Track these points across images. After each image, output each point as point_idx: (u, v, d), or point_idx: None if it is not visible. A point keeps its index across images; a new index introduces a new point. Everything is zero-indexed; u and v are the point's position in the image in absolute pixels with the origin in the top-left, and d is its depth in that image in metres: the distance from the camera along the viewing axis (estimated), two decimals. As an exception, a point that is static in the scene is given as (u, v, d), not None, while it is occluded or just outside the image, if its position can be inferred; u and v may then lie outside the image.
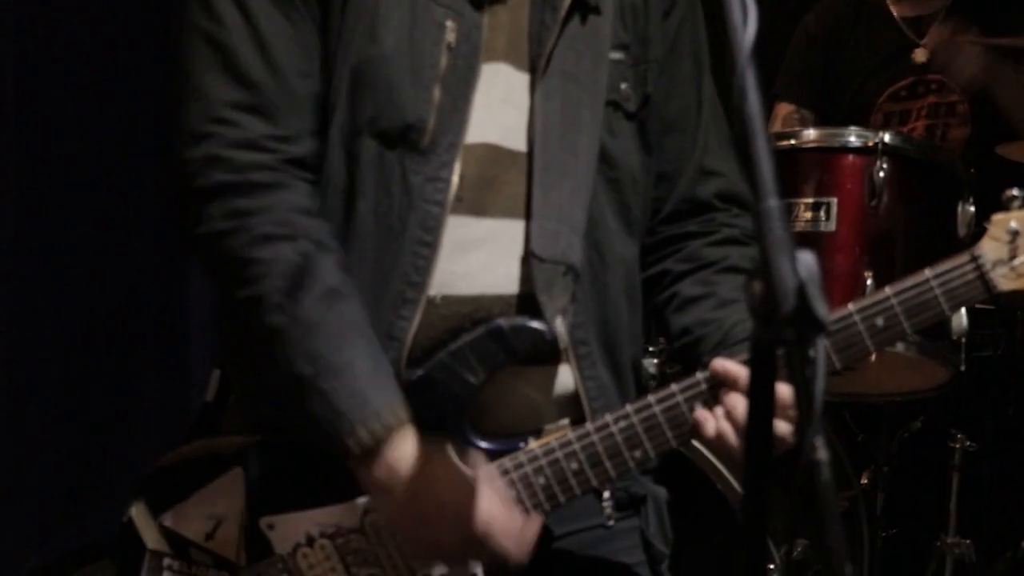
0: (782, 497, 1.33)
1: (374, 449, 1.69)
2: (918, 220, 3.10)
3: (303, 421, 1.71)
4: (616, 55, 1.89)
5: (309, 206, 1.76)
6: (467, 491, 1.68)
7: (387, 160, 1.78)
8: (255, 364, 1.77)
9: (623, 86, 1.89)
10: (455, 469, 1.70)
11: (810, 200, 3.02)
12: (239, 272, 1.72)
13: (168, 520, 1.77)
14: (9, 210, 3.34)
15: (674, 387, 1.79)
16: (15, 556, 3.37)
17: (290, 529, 1.74)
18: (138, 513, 1.78)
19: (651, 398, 1.77)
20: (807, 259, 1.11)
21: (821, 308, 1.10)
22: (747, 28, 1.19)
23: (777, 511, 2.38)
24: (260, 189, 1.73)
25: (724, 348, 1.84)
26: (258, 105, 1.75)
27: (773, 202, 1.14)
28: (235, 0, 1.75)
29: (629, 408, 1.78)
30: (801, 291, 1.10)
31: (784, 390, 1.21)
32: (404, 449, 1.70)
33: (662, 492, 1.98)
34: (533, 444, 1.79)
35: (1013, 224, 1.80)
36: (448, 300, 1.79)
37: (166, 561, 1.76)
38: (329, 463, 1.72)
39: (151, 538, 1.77)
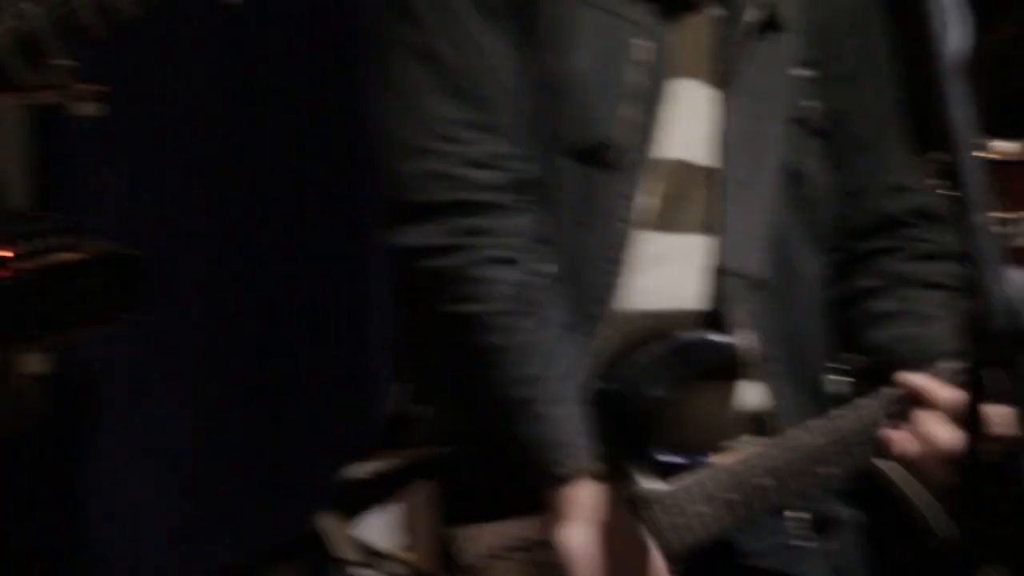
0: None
1: (569, 480, 1.71)
2: None
3: (503, 440, 1.73)
4: (800, 71, 1.87)
5: (535, 230, 1.78)
6: (640, 548, 1.69)
7: (578, 177, 1.78)
8: (456, 380, 1.80)
9: (807, 102, 1.87)
10: (634, 525, 1.72)
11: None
12: (459, 289, 1.74)
13: (359, 531, 1.80)
14: (200, 217, 3.42)
15: (861, 403, 1.76)
16: (204, 554, 3.47)
17: (481, 541, 1.76)
18: (328, 523, 1.81)
19: (837, 414, 1.75)
20: (1018, 276, 1.09)
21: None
22: (953, 37, 1.17)
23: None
24: (491, 209, 1.75)
25: (922, 365, 1.80)
26: (487, 123, 1.76)
27: (981, 216, 1.12)
28: (449, 15, 1.76)
29: (814, 424, 1.75)
30: (1012, 308, 1.07)
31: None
32: (591, 489, 1.73)
33: (856, 516, 1.94)
34: (715, 459, 1.78)
35: None
36: (634, 315, 1.79)
37: (357, 571, 1.79)
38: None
39: (342, 548, 1.80)
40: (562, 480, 1.71)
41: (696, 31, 1.83)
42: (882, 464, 1.97)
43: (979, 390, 1.11)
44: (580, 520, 1.72)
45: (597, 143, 1.77)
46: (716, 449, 1.80)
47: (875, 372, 1.90)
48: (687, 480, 1.75)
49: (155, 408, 3.36)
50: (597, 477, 1.73)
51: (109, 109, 2.87)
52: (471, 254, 1.73)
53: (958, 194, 1.13)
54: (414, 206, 1.75)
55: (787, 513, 1.84)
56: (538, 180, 1.78)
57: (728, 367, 1.81)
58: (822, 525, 1.89)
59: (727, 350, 1.79)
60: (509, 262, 1.74)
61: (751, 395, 1.85)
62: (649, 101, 1.78)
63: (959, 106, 1.14)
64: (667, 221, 1.81)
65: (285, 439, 3.69)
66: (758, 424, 1.85)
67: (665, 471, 1.77)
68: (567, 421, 1.72)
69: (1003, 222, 2.80)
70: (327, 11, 3.58)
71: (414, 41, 1.77)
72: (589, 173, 1.78)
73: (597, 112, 1.77)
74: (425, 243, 1.75)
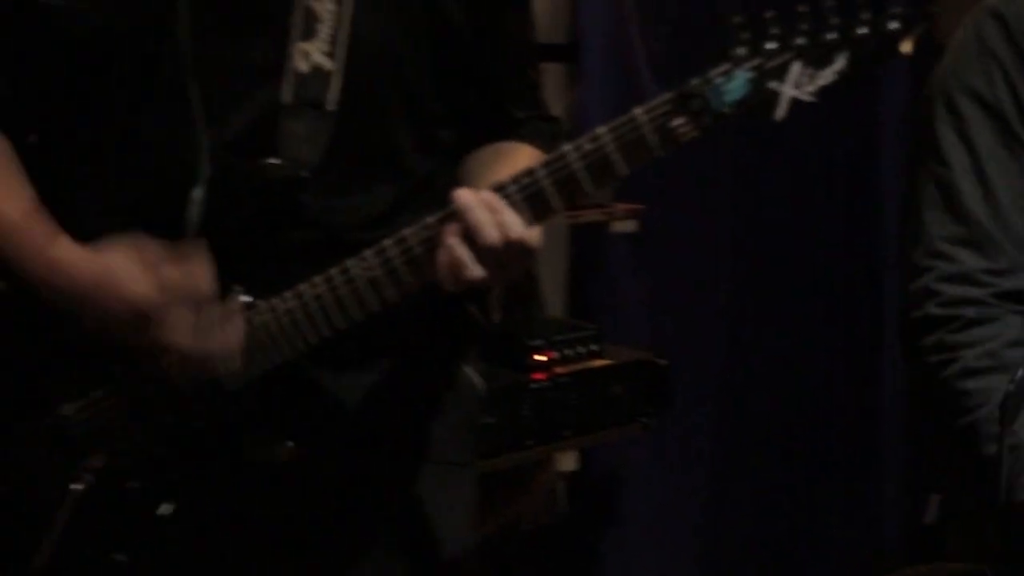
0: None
1: None
2: None
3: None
4: None
5: (1019, 338, 1.78)
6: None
7: None
8: (974, 493, 1.80)
9: None
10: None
11: None
12: (950, 403, 1.77)
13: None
14: (718, 324, 3.54)
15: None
16: None
17: None
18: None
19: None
20: None
21: None
22: None
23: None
24: (969, 323, 1.78)
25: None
26: (973, 239, 1.80)
27: None
28: (963, 141, 1.83)
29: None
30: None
31: None
32: None
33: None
34: None
35: None
36: None
37: None
38: None
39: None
40: None
41: None
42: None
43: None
44: None
45: None
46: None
47: None
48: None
49: (669, 509, 3.48)
50: None
51: (640, 226, 3.07)
52: (951, 368, 1.76)
53: None
54: (913, 321, 1.81)
55: None
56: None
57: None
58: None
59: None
60: (989, 371, 1.74)
61: None
62: None
63: None
64: None
65: (794, 544, 3.71)
66: None
67: None
68: None
69: None
70: (846, 113, 3.62)
71: (935, 172, 1.84)
72: None
73: None
74: (920, 360, 1.80)
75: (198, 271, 1.50)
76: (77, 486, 1.59)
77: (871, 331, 3.71)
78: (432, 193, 1.59)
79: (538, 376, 2.81)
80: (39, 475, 1.61)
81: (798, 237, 3.64)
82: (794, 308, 3.64)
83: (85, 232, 1.55)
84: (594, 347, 2.94)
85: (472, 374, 1.78)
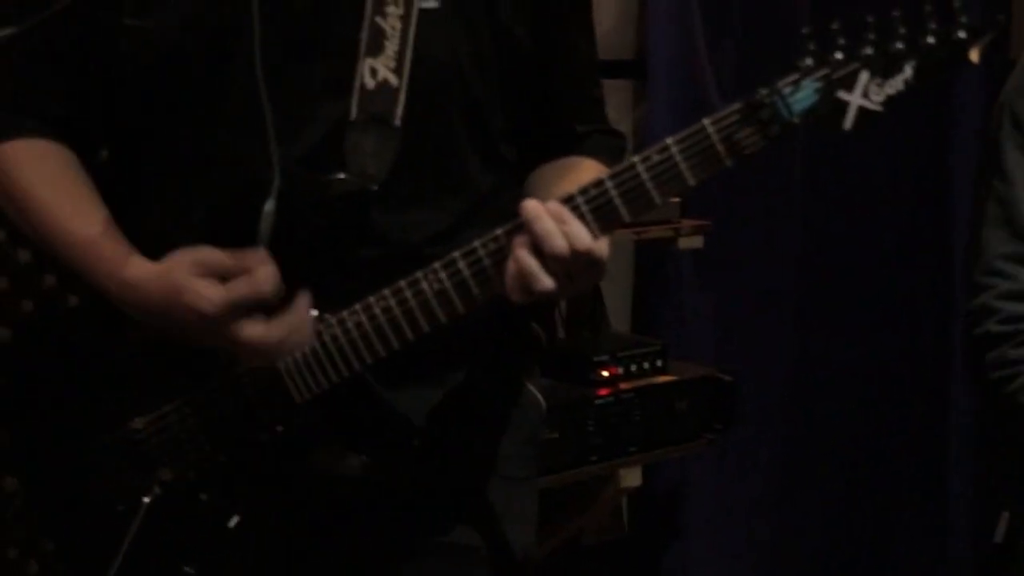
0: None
1: None
2: None
3: None
4: None
5: None
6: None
7: None
8: None
9: None
10: None
11: None
12: (1015, 418, 1.78)
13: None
14: (782, 341, 3.53)
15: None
16: None
17: None
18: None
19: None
20: None
21: None
22: None
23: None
24: None
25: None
26: None
27: None
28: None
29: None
30: None
31: None
32: None
33: None
34: None
35: None
36: None
37: None
38: None
39: None
40: None
41: None
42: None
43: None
44: None
45: None
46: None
47: None
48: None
49: (733, 525, 3.47)
50: None
51: (706, 241, 3.07)
52: (1019, 381, 1.78)
53: None
54: (975, 338, 1.83)
55: None
56: None
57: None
58: None
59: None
60: None
61: None
62: None
63: None
64: None
65: (861, 561, 3.69)
66: None
67: None
68: None
69: None
70: (916, 125, 3.60)
71: (997, 189, 1.85)
72: None
73: None
74: (985, 377, 1.81)
75: (264, 278, 1.51)
76: (148, 498, 1.61)
77: (939, 345, 3.68)
78: (496, 209, 1.59)
79: (603, 392, 2.81)
80: (112, 488, 1.63)
81: (865, 252, 3.62)
82: (861, 323, 3.63)
83: (157, 247, 1.57)
84: (659, 363, 2.94)
85: (534, 390, 1.78)
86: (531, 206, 1.46)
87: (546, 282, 1.45)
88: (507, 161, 1.70)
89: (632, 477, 2.96)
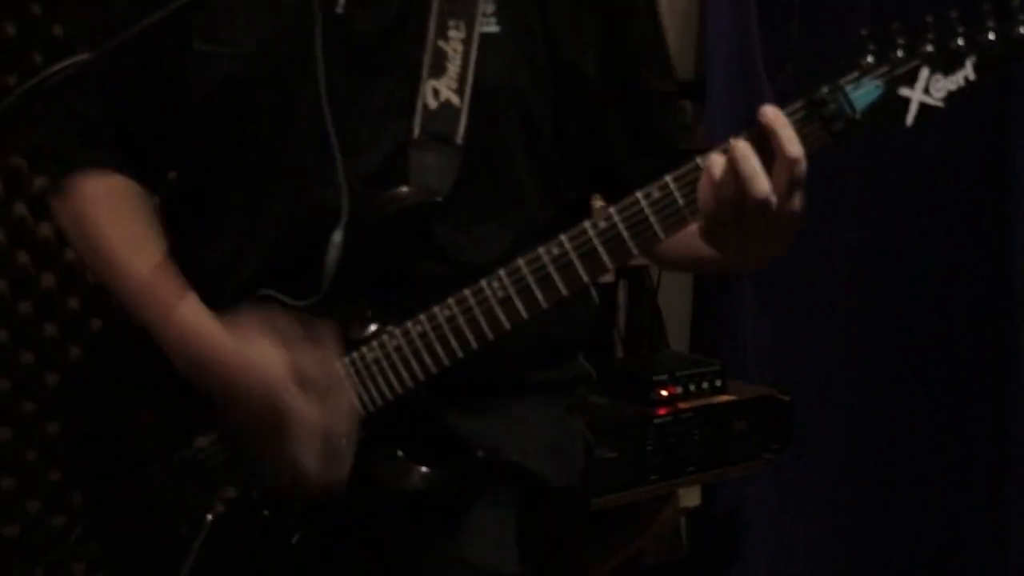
0: None
1: None
2: None
3: None
4: None
5: None
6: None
7: None
8: None
9: None
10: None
11: None
12: None
13: None
14: (841, 363, 3.51)
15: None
16: None
17: None
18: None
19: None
20: None
21: None
22: None
23: None
24: None
25: None
26: None
27: None
28: None
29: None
30: None
31: None
32: None
33: None
34: None
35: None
36: None
37: None
38: None
39: None
40: None
41: None
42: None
43: None
44: None
45: None
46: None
47: None
48: None
49: (793, 544, 3.45)
50: None
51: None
52: None
53: None
54: None
55: None
56: None
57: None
58: None
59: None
60: None
61: None
62: None
63: None
64: None
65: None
66: None
67: None
68: None
69: None
70: (975, 134, 3.57)
71: None
72: None
73: None
74: None
75: (328, 355, 1.54)
76: (211, 516, 1.63)
77: (1002, 361, 3.63)
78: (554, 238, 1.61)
79: (662, 411, 2.81)
80: (176, 505, 1.65)
81: (924, 268, 3.59)
82: (921, 342, 3.60)
83: (220, 275, 1.60)
84: (718, 382, 2.94)
85: (578, 420, 1.79)
86: (771, 109, 1.43)
87: (764, 184, 1.41)
88: (567, 198, 1.72)
89: (691, 497, 2.95)
